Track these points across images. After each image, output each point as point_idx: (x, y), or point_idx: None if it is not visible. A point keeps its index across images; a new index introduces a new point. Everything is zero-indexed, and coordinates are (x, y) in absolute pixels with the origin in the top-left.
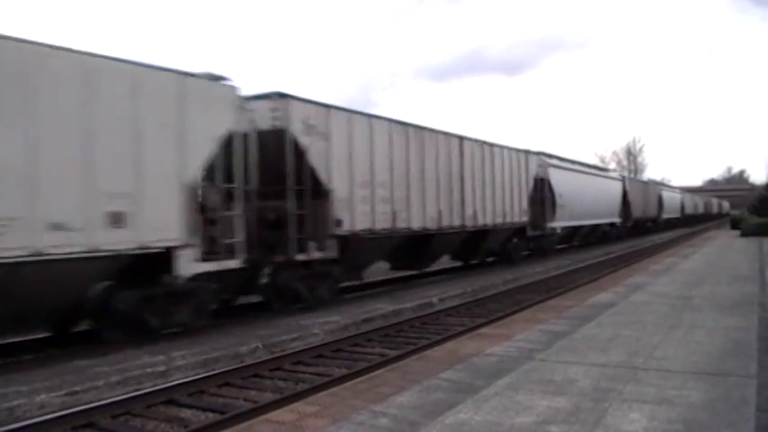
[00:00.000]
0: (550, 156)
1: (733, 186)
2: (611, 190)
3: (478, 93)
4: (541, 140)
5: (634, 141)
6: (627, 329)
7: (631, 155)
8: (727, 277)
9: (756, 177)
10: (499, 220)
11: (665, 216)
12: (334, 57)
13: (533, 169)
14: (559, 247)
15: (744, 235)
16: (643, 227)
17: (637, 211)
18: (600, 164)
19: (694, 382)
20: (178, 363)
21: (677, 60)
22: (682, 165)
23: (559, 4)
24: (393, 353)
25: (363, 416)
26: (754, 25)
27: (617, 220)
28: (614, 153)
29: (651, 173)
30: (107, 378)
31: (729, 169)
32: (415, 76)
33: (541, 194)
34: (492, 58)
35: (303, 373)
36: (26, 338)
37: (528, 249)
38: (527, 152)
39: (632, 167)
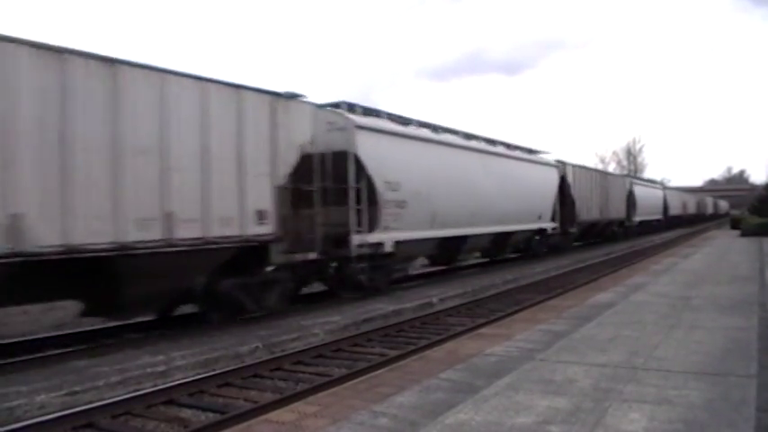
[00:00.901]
0: (367, 110)
1: (733, 186)
2: (539, 181)
3: (478, 92)
4: (542, 141)
5: (634, 141)
6: (627, 329)
7: (631, 155)
8: (728, 277)
9: (756, 177)
10: (151, 235)
11: (638, 218)
12: (335, 56)
13: (304, 131)
14: (427, 270)
15: (744, 235)
16: (603, 233)
17: (588, 212)
18: (600, 164)
19: (694, 382)
20: (178, 363)
21: (677, 60)
22: (682, 165)
23: (559, 4)
24: (393, 353)
25: (363, 416)
26: (755, 25)
27: (549, 225)
28: (614, 153)
29: (651, 173)
30: (107, 378)
31: (729, 169)
32: (416, 76)
33: (335, 183)
34: (492, 58)
35: (303, 373)
36: (26, 339)
37: (299, 285)
38: (276, 95)
39: (632, 167)
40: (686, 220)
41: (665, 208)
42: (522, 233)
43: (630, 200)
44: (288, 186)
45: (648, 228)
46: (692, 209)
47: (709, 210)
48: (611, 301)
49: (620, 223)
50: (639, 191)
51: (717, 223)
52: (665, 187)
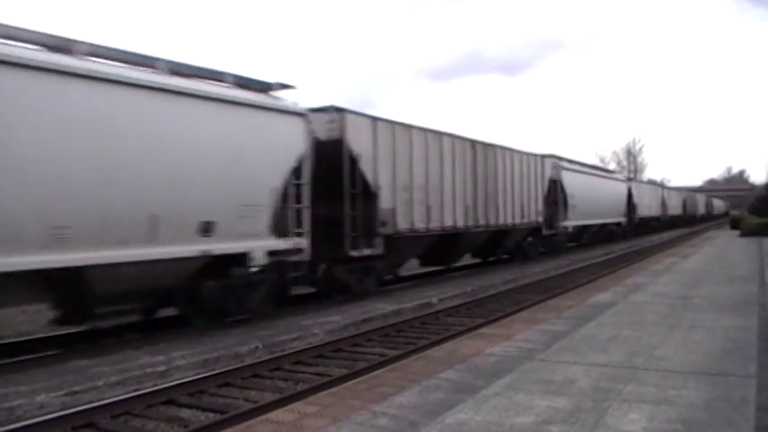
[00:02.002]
0: None
1: (733, 186)
2: (184, 142)
3: (478, 92)
4: (542, 140)
5: (634, 141)
6: (627, 329)
7: (631, 155)
8: (727, 277)
9: (756, 177)
10: None
11: (572, 222)
12: (335, 56)
13: None
14: None
15: (743, 235)
16: (493, 247)
17: (421, 216)
18: (600, 164)
19: (694, 382)
20: (178, 363)
21: (677, 60)
22: (682, 165)
23: (559, 4)
24: (393, 353)
25: (363, 416)
26: (754, 25)
27: (259, 243)
28: (614, 153)
29: (651, 173)
30: (107, 378)
31: (729, 169)
32: (416, 76)
33: None
34: (492, 58)
35: (303, 373)
36: (26, 338)
37: None
38: None
39: (632, 167)
40: (667, 224)
41: (631, 208)
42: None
43: (555, 194)
44: None
45: (599, 236)
46: (675, 209)
47: (701, 210)
48: (611, 301)
49: (535, 230)
50: (574, 181)
51: (709, 226)
52: (629, 179)
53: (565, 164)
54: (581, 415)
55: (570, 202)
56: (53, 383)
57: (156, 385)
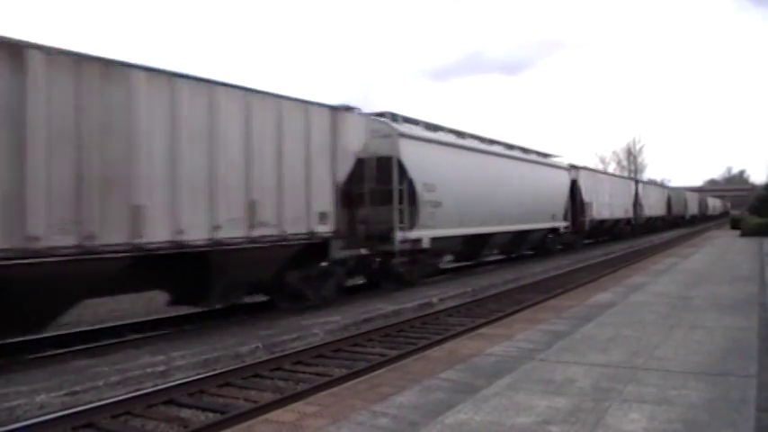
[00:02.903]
0: None
1: (733, 186)
2: None
3: (479, 92)
4: (542, 140)
5: (634, 141)
6: (627, 329)
7: (631, 155)
8: (728, 277)
9: (756, 177)
10: None
11: (432, 232)
12: (335, 56)
13: None
14: None
15: (744, 235)
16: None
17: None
18: (600, 164)
19: (694, 382)
20: (178, 363)
21: (677, 60)
22: (682, 165)
23: (559, 4)
24: (393, 353)
25: (363, 416)
26: (755, 25)
27: None
28: (614, 153)
29: (651, 173)
30: (107, 378)
31: (729, 169)
32: (416, 76)
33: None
34: (492, 58)
35: (303, 373)
36: (26, 339)
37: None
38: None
39: (632, 167)
40: (643, 229)
41: (578, 208)
42: None
43: (388, 184)
44: None
45: (519, 249)
46: (655, 209)
47: (693, 210)
48: (611, 301)
49: (315, 251)
50: (435, 162)
51: (708, 227)
52: (575, 167)
53: (410, 130)
54: (581, 415)
55: (424, 197)
56: (53, 383)
57: (156, 385)
